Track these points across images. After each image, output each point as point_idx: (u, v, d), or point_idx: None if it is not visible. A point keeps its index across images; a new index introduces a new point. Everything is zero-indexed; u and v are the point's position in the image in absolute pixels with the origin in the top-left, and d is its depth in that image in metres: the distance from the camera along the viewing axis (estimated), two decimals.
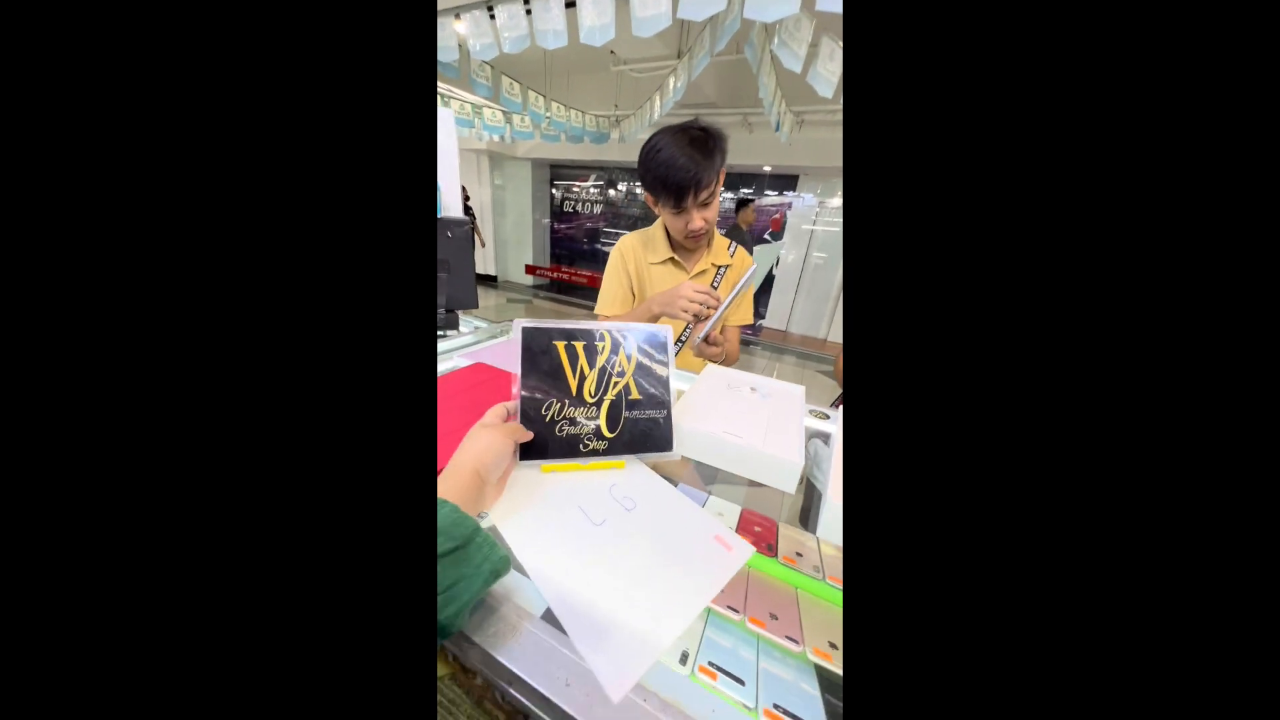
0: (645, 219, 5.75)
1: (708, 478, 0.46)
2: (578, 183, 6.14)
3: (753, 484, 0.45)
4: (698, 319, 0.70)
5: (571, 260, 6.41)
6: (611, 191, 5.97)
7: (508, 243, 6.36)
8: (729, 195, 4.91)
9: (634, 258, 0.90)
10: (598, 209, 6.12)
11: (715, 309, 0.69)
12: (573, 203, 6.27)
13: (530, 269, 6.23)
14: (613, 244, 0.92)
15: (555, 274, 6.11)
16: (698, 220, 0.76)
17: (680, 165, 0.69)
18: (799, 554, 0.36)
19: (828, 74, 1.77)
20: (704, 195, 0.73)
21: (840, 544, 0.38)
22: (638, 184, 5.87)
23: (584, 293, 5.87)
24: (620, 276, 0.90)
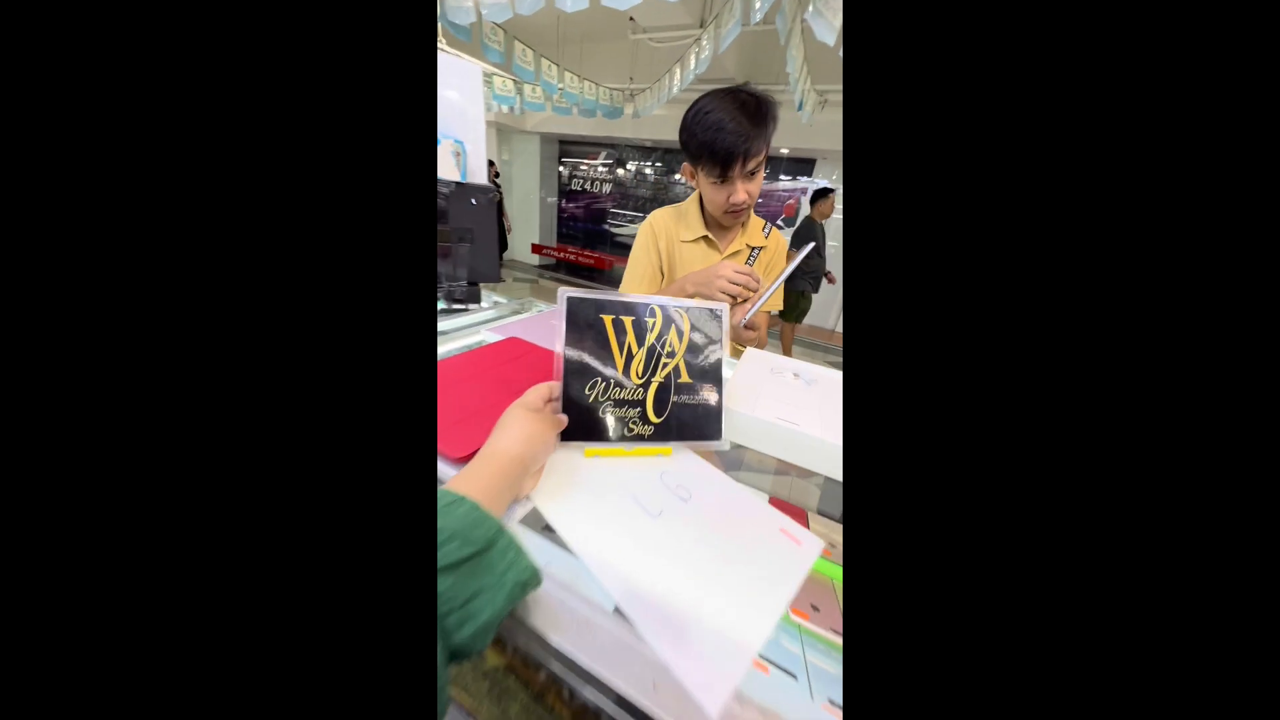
0: (655, 200, 5.61)
1: (731, 464, 0.43)
2: (586, 160, 5.97)
3: (779, 472, 0.42)
4: (736, 301, 0.65)
5: (578, 241, 6.30)
6: (620, 171, 5.81)
7: (514, 220, 6.24)
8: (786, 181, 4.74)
9: (665, 233, 0.85)
10: (606, 189, 5.97)
11: (756, 291, 0.64)
12: (581, 181, 6.11)
13: (536, 248, 6.13)
14: (621, 224, 0.87)
15: (561, 254, 6.01)
16: (741, 193, 0.70)
17: (730, 130, 0.64)
18: (832, 545, 0.34)
19: None
20: (752, 165, 0.68)
21: None
22: (648, 164, 5.73)
23: (591, 275, 5.78)
24: (650, 254, 0.85)
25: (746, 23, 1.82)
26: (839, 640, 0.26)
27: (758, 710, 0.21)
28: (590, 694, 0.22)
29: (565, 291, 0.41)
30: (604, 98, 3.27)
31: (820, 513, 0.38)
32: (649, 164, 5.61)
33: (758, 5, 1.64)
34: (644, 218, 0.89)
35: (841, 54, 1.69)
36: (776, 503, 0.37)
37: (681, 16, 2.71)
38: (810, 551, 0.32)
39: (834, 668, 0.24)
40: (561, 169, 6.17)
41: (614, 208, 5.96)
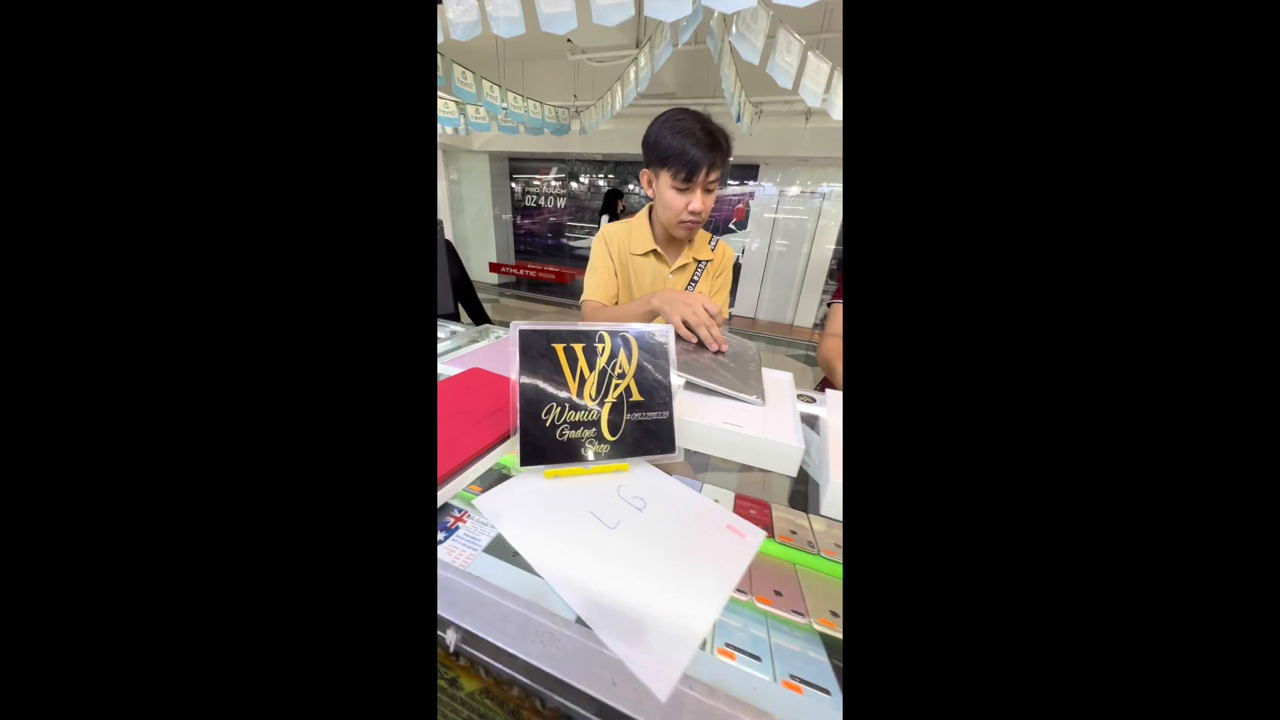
0: (609, 213, 5.69)
1: (699, 467, 0.47)
2: (538, 176, 5.97)
3: (743, 470, 0.47)
4: (689, 329, 0.66)
5: (537, 256, 6.26)
6: (574, 184, 5.85)
7: (468, 241, 6.11)
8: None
9: (618, 245, 0.90)
10: (561, 203, 5.99)
11: (714, 334, 0.65)
12: (535, 196, 6.09)
13: (494, 267, 6.02)
14: (579, 237, 0.91)
15: (521, 271, 5.94)
16: (699, 202, 0.76)
17: (700, 141, 0.71)
18: (793, 532, 0.39)
19: (786, 65, 1.82)
20: (713, 177, 0.74)
21: (840, 519, 0.41)
22: (601, 176, 5.82)
23: (553, 289, 5.76)
24: (605, 262, 0.89)
25: (677, 44, 1.92)
26: (802, 620, 0.29)
27: (706, 689, 0.24)
28: (560, 700, 0.24)
29: (517, 325, 0.43)
30: (550, 115, 3.30)
31: (779, 504, 0.42)
32: (602, 176, 5.70)
33: (684, 26, 1.74)
34: (599, 228, 0.93)
35: (768, 71, 1.82)
36: (741, 498, 0.41)
37: (617, 38, 2.81)
38: (753, 543, 0.36)
39: (798, 646, 0.27)
40: (514, 185, 6.12)
41: (570, 221, 5.99)
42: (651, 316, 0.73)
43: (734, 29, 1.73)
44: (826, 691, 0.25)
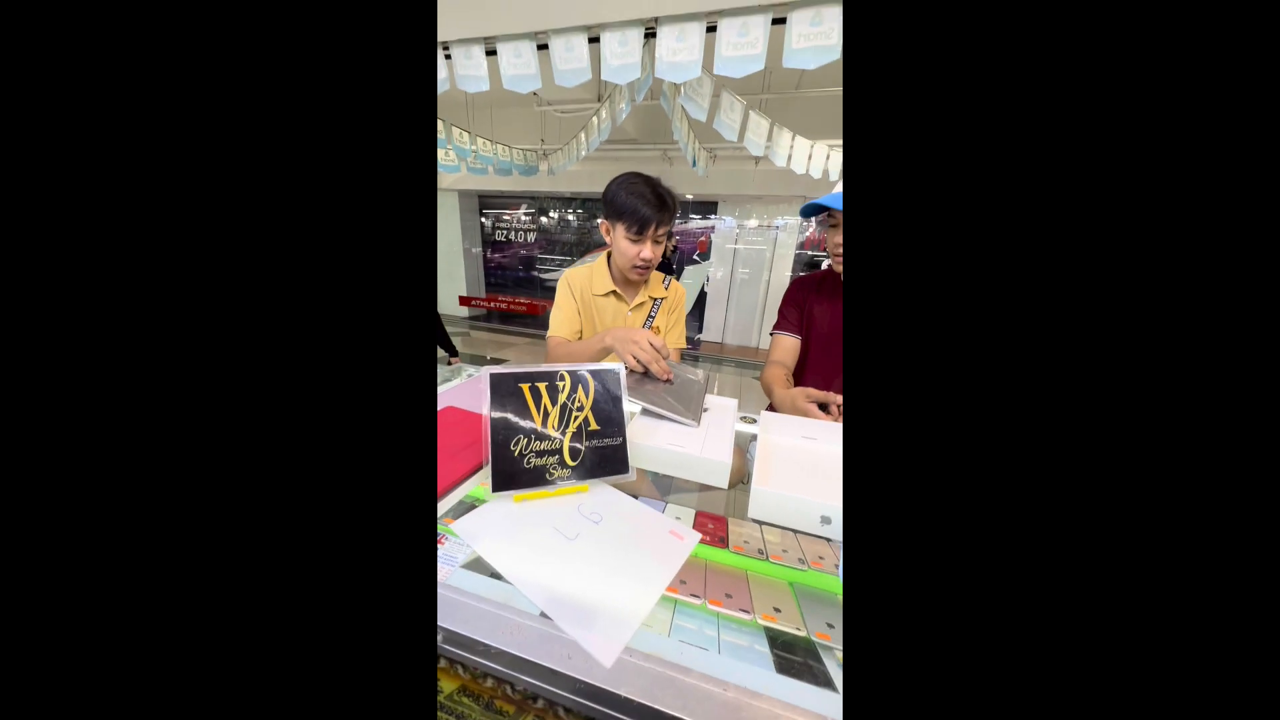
0: (579, 245, 5.88)
1: (664, 489, 0.55)
2: (509, 211, 6.12)
3: (703, 489, 0.54)
4: (640, 368, 0.72)
5: (507, 289, 6.31)
6: (544, 219, 6.04)
7: (438, 274, 6.07)
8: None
9: (580, 287, 1.01)
10: (531, 236, 6.14)
11: (660, 369, 0.71)
12: (505, 231, 6.21)
13: (465, 300, 6.01)
14: (550, 269, 1.00)
15: (492, 304, 5.96)
16: (649, 251, 0.90)
17: (650, 201, 0.85)
18: (746, 542, 0.45)
19: (730, 122, 2.06)
20: (660, 232, 0.89)
21: (769, 522, 0.48)
22: (570, 211, 6.04)
23: (524, 321, 5.78)
24: (569, 301, 1.00)
25: (634, 100, 2.12)
26: (747, 616, 0.34)
27: (644, 655, 0.31)
28: (527, 679, 0.30)
29: (488, 369, 0.50)
30: (518, 158, 3.47)
31: (752, 519, 0.48)
32: (571, 211, 5.92)
33: (639, 87, 1.94)
34: (571, 260, 1.03)
35: (714, 126, 2.04)
36: (701, 514, 0.47)
37: (580, 93, 3.05)
38: (689, 543, 0.43)
39: (745, 641, 0.32)
40: (484, 220, 6.23)
41: (541, 254, 6.12)
42: (606, 352, 0.82)
43: (683, 91, 1.95)
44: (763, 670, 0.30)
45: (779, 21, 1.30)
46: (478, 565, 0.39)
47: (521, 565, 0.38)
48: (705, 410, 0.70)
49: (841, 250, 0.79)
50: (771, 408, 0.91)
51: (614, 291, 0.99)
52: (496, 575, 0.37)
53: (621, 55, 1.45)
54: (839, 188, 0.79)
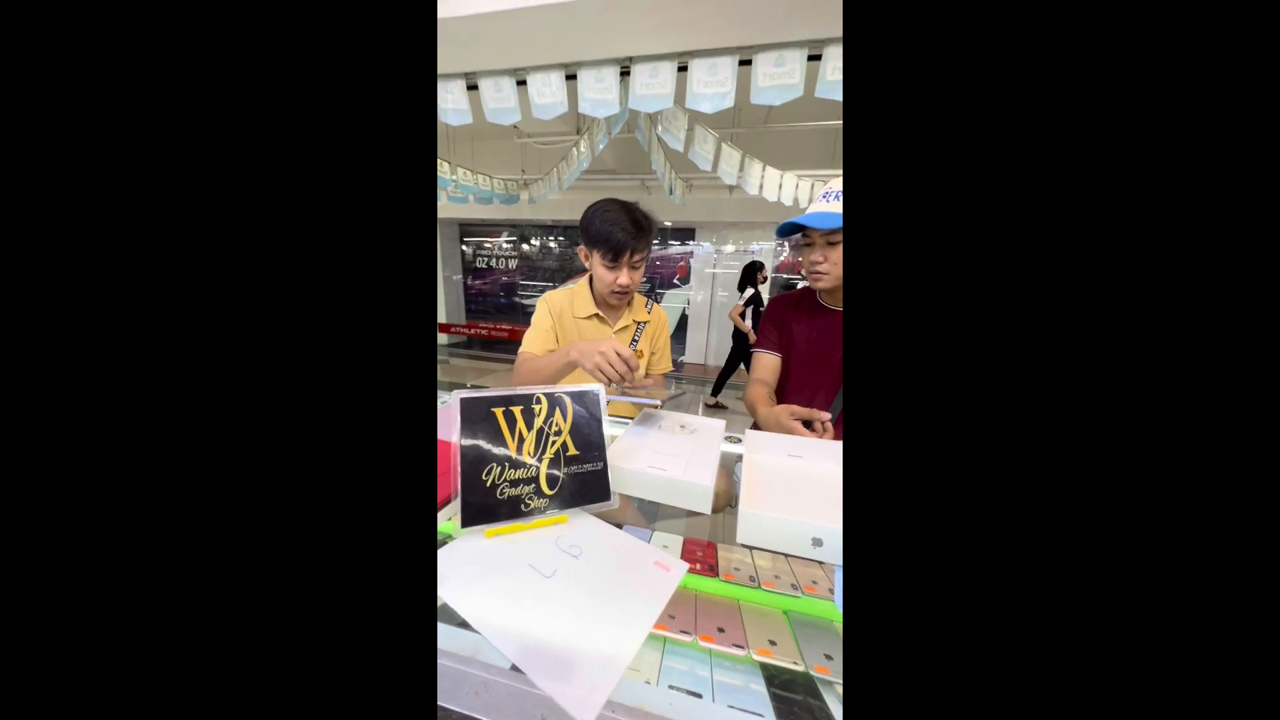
0: (561, 271, 5.93)
1: (650, 516, 0.52)
2: (490, 239, 6.16)
3: (690, 515, 0.51)
4: (609, 381, 0.66)
5: (489, 316, 6.25)
6: (525, 246, 6.09)
7: None
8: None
9: (560, 309, 0.99)
10: (513, 263, 6.17)
11: (629, 380, 0.65)
12: (486, 259, 6.23)
13: (444, 327, 5.91)
14: (531, 295, 0.99)
15: (473, 331, 5.88)
16: (625, 277, 0.90)
17: (625, 228, 0.85)
18: (737, 569, 0.43)
19: (704, 153, 2.15)
20: (636, 258, 0.89)
21: (759, 546, 0.46)
22: (552, 238, 6.13)
23: (506, 347, 5.71)
24: (545, 320, 0.98)
25: (611, 133, 2.21)
26: (741, 652, 0.32)
27: (627, 710, 0.27)
28: None
29: (458, 393, 0.47)
30: (499, 187, 3.52)
31: (742, 544, 0.45)
32: (553, 239, 6.00)
33: (615, 121, 2.03)
34: (553, 286, 1.01)
35: (689, 157, 2.13)
36: (690, 541, 0.45)
37: (559, 125, 3.15)
38: (677, 574, 0.40)
39: (739, 680, 0.30)
40: (465, 248, 6.24)
41: (523, 280, 6.13)
42: (572, 367, 0.77)
43: (660, 124, 2.04)
44: (760, 715, 0.27)
45: (745, 63, 1.39)
46: (443, 613, 0.35)
47: (492, 611, 0.34)
48: (694, 432, 0.68)
49: (817, 268, 0.81)
50: (756, 426, 0.90)
51: (596, 314, 0.99)
52: (464, 624, 0.33)
53: (598, 90, 1.51)
54: (811, 209, 0.81)
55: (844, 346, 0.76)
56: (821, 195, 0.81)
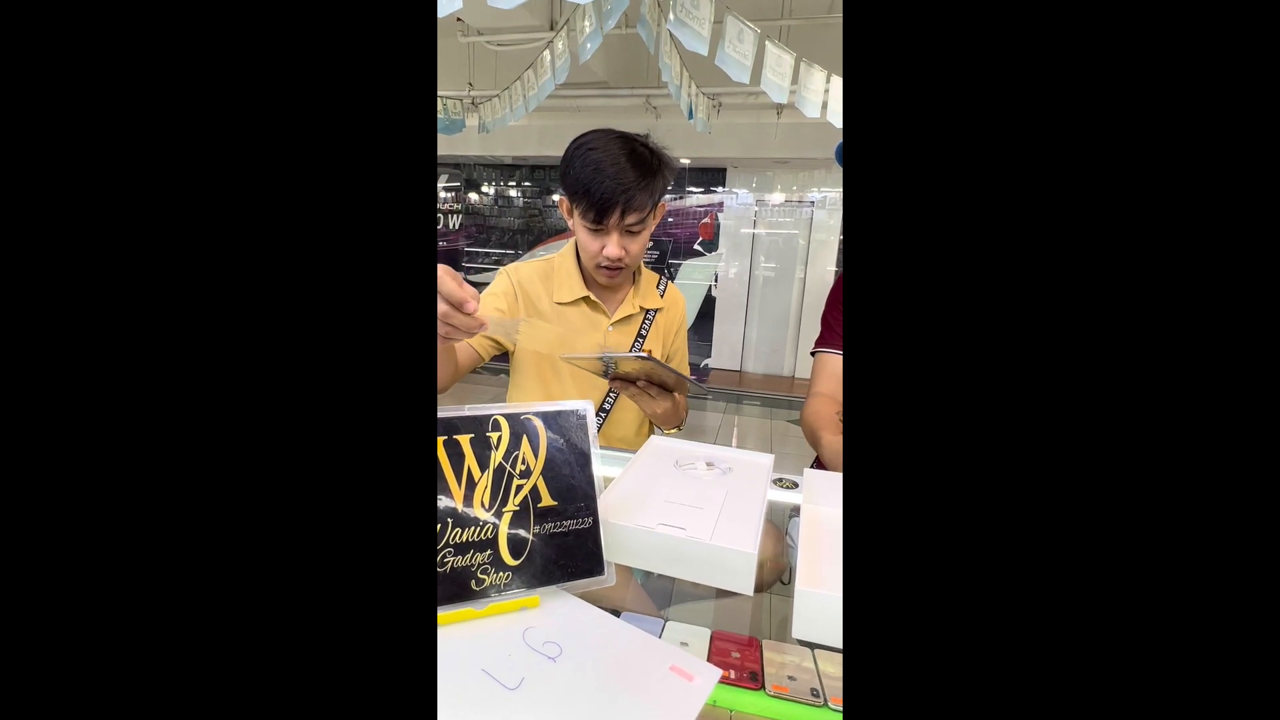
0: (529, 231, 5.95)
1: (661, 599, 0.52)
2: None
3: (722, 595, 0.51)
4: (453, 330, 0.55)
5: None
6: (474, 196, 6.13)
7: None
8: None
9: (528, 290, 0.96)
10: (455, 221, 6.21)
11: (461, 320, 0.54)
12: None
13: None
14: (484, 267, 0.95)
15: None
16: (615, 248, 0.86)
17: (610, 174, 0.81)
18: (792, 678, 0.42)
19: (739, 56, 2.16)
20: (632, 220, 0.85)
21: (825, 645, 0.46)
22: (513, 184, 6.16)
23: None
24: (499, 301, 0.94)
25: (603, 29, 2.22)
26: None
27: None
28: None
29: None
30: (436, 110, 3.55)
31: (799, 641, 0.45)
32: (514, 185, 6.02)
33: (607, 8, 2.04)
34: (516, 255, 1.00)
35: (717, 64, 2.15)
36: (720, 636, 0.45)
37: (525, 17, 3.18)
38: (705, 685, 0.40)
39: None
40: None
41: (470, 246, 6.16)
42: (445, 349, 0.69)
43: (672, 14, 2.05)
44: None
45: None
46: None
47: None
48: (727, 472, 0.68)
49: None
50: (819, 463, 0.90)
51: (586, 297, 0.97)
52: None
53: None
54: None
55: (844, 347, 0.90)
56: None
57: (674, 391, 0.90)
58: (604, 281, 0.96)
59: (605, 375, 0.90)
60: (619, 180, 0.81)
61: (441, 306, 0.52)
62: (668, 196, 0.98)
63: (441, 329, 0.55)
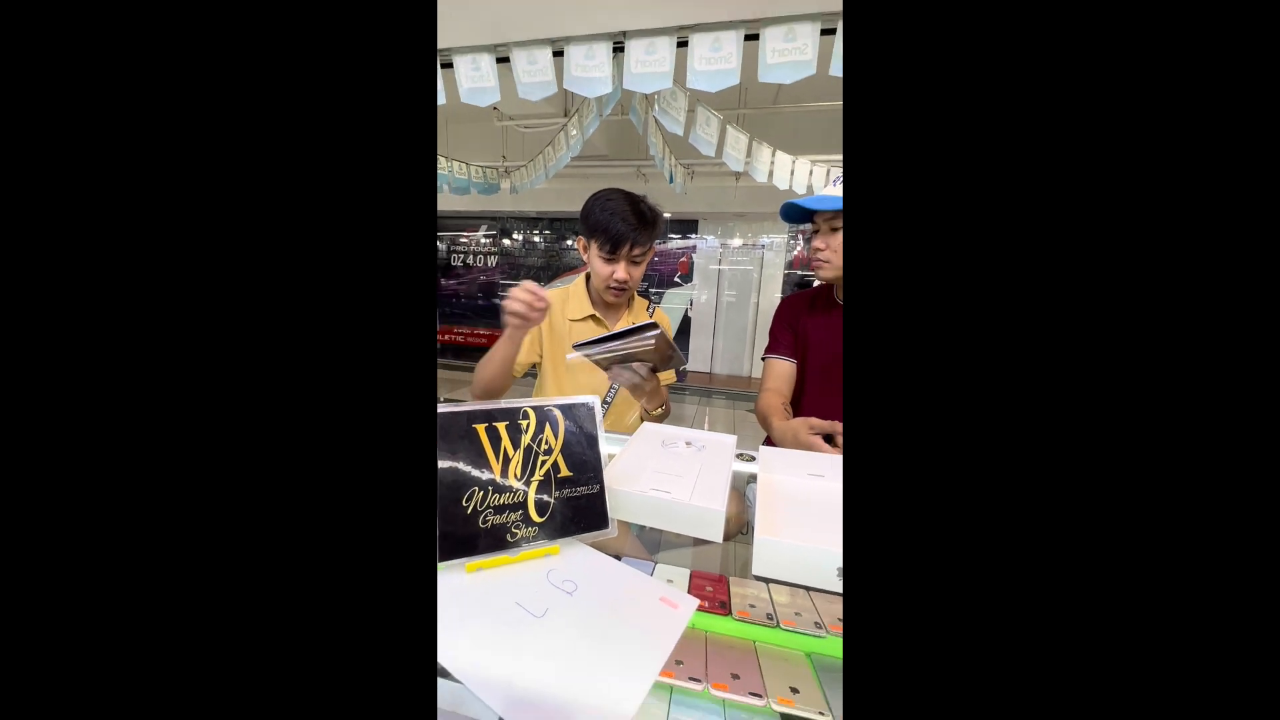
0: (547, 269, 5.95)
1: (652, 547, 0.51)
2: (466, 234, 6.19)
3: (698, 544, 0.51)
4: (524, 319, 0.72)
5: (466, 320, 6.26)
6: (506, 241, 6.11)
7: None
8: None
9: (550, 313, 0.98)
10: (492, 260, 6.18)
11: (540, 309, 0.71)
12: (461, 255, 6.25)
13: None
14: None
15: (447, 337, 5.88)
16: (623, 272, 0.92)
17: (627, 219, 0.88)
18: (752, 606, 0.43)
19: (707, 136, 2.18)
20: (636, 253, 0.92)
21: (778, 579, 0.46)
22: (536, 232, 6.16)
23: (484, 354, 5.72)
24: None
25: (602, 115, 2.24)
26: (760, 702, 0.32)
27: None
28: None
29: (436, 408, 0.47)
30: (477, 176, 3.55)
31: (757, 577, 0.45)
32: (537, 232, 6.02)
33: (607, 101, 2.05)
34: (540, 285, 1.02)
35: (690, 141, 2.16)
36: (698, 575, 0.45)
37: (544, 106, 3.19)
38: (685, 612, 0.40)
39: None
40: (439, 244, 6.26)
41: (504, 279, 6.14)
42: (516, 349, 0.83)
43: (657, 105, 2.07)
44: None
45: (752, 37, 1.41)
46: None
47: (475, 657, 0.34)
48: (702, 450, 0.68)
49: (819, 255, 0.83)
50: (770, 441, 0.90)
51: (593, 315, 1.00)
52: (444, 672, 0.33)
53: (587, 68, 1.53)
54: (821, 194, 0.83)
55: (844, 347, 0.77)
56: (833, 180, 0.83)
57: (667, 364, 0.91)
58: (611, 300, 0.99)
59: (607, 367, 0.91)
60: (628, 223, 0.88)
61: (524, 299, 0.69)
62: (656, 244, 1.02)
63: (529, 315, 0.70)
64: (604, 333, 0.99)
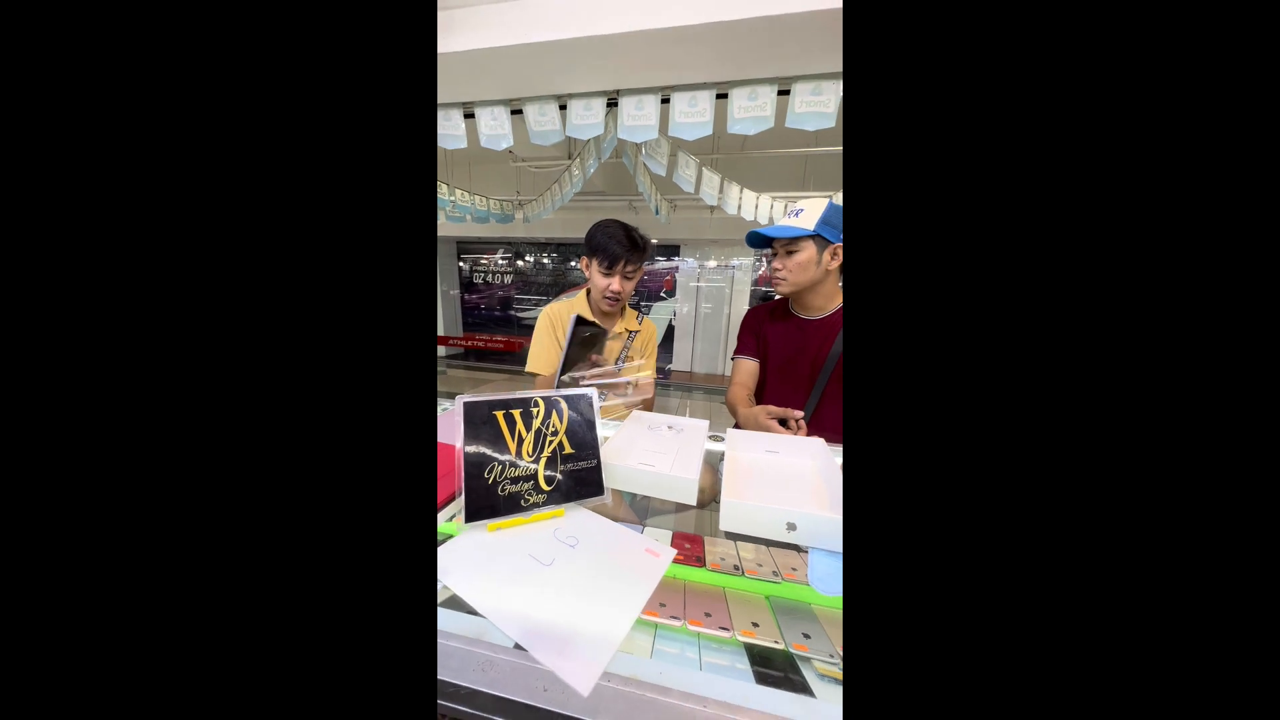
0: (555, 285, 5.95)
1: (641, 513, 0.53)
2: (485, 256, 6.15)
3: (680, 510, 0.52)
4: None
5: (485, 328, 6.21)
6: (520, 262, 6.09)
7: None
8: None
9: (561, 321, 1.03)
10: (508, 278, 6.16)
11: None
12: (482, 274, 6.21)
13: (442, 339, 5.85)
14: (527, 309, 1.04)
15: (469, 343, 5.84)
16: (618, 284, 0.96)
17: (622, 242, 0.94)
18: (722, 559, 0.44)
19: (687, 176, 2.21)
20: (629, 269, 0.96)
21: (741, 534, 0.48)
22: (545, 255, 6.15)
23: (500, 358, 5.69)
24: (550, 336, 1.02)
25: (600, 158, 2.26)
26: (727, 634, 0.33)
27: (622, 679, 0.28)
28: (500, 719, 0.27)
29: (461, 398, 0.48)
30: (495, 208, 3.54)
31: (726, 534, 0.47)
32: (546, 255, 6.02)
33: (604, 146, 2.08)
34: (547, 299, 1.07)
35: (673, 180, 2.19)
36: (679, 535, 0.46)
37: (551, 150, 3.20)
38: (666, 559, 0.41)
39: (726, 659, 0.31)
40: (461, 264, 6.21)
41: (518, 295, 6.12)
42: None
43: (644, 151, 2.09)
44: (743, 680, 0.28)
45: (722, 96, 1.45)
46: (448, 602, 0.35)
47: (495, 597, 0.35)
48: (681, 432, 0.70)
49: (777, 274, 0.86)
50: (737, 425, 0.92)
51: (593, 322, 1.03)
52: (469, 610, 0.34)
53: (585, 117, 1.56)
54: (778, 224, 0.86)
55: (844, 346, 0.79)
56: (788, 213, 0.86)
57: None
58: (606, 309, 1.02)
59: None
60: (623, 245, 0.93)
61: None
62: (645, 265, 1.06)
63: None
64: (602, 336, 1.02)
